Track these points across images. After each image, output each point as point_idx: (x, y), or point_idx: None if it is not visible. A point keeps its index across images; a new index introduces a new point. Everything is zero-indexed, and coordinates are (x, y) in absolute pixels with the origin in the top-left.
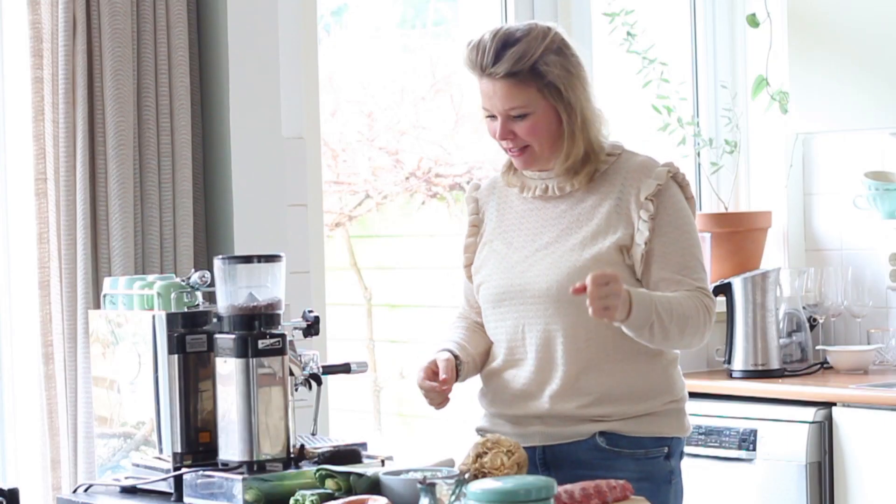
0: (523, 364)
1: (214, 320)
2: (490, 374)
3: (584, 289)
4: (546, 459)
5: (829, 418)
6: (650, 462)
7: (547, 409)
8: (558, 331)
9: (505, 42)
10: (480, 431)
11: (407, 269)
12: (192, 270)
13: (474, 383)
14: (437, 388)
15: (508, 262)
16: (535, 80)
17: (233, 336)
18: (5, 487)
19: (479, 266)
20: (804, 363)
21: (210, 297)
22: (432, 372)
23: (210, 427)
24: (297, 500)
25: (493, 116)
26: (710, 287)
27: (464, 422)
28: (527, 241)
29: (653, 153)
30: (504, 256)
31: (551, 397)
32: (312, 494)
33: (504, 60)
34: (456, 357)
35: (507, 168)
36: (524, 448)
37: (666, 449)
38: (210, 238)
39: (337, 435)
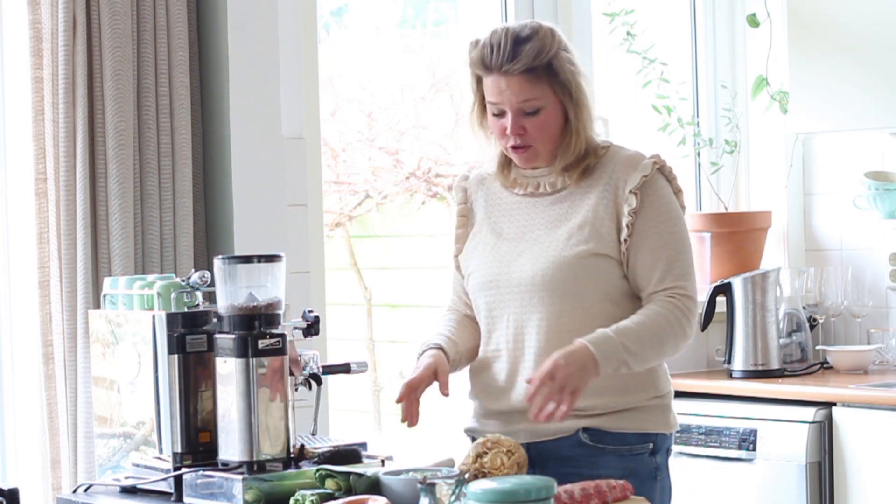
0: (507, 355)
1: (214, 320)
2: (478, 367)
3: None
4: (531, 456)
5: (829, 418)
6: (634, 458)
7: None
8: (541, 321)
9: (517, 39)
10: (469, 432)
11: (407, 269)
12: (192, 270)
13: (465, 384)
14: (411, 405)
15: (497, 252)
16: (549, 76)
17: (233, 336)
18: (5, 487)
19: (469, 256)
20: (804, 363)
21: (210, 297)
22: (409, 389)
23: (210, 427)
24: (297, 500)
25: (500, 114)
26: (695, 283)
27: (463, 422)
28: (516, 234)
29: (652, 152)
30: (493, 247)
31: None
32: (312, 494)
33: (522, 57)
34: (444, 351)
35: (500, 167)
36: (525, 452)
37: (651, 445)
38: (210, 238)
39: (337, 435)
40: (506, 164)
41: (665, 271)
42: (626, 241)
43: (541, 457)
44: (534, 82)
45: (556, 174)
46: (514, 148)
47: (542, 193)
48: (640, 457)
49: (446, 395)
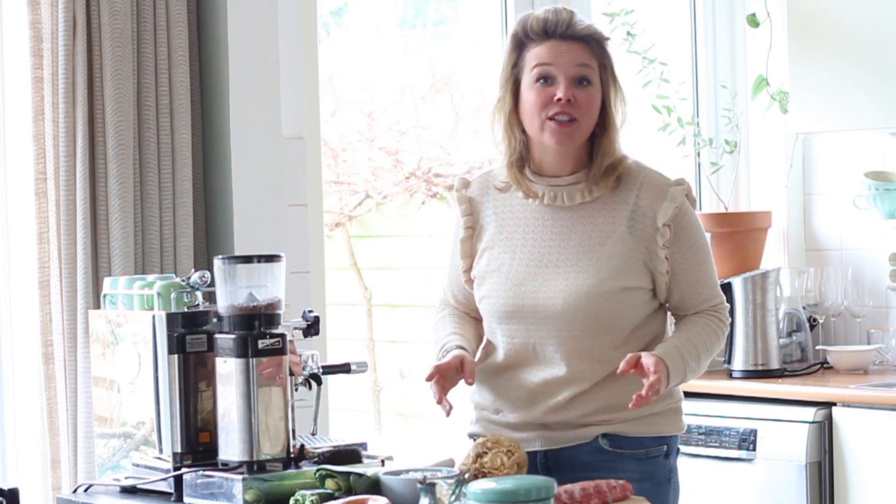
0: (532, 376)
1: (214, 320)
2: (493, 379)
3: (634, 368)
4: (548, 463)
5: (829, 418)
6: (651, 462)
7: (551, 418)
8: (571, 350)
9: (574, 17)
10: (474, 437)
11: (407, 269)
12: (192, 270)
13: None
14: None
15: (515, 276)
16: (601, 55)
17: (233, 336)
18: (5, 487)
19: (481, 275)
20: (804, 363)
21: (210, 297)
22: (438, 370)
23: (210, 427)
24: (297, 500)
25: (548, 82)
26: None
27: (464, 423)
28: (533, 254)
29: (653, 153)
30: (509, 270)
31: (557, 408)
32: (312, 494)
33: (584, 26)
34: (465, 350)
35: (516, 171)
36: (525, 452)
37: (665, 447)
38: (210, 238)
39: (337, 435)
40: (520, 168)
41: (707, 294)
42: (667, 273)
43: (557, 463)
44: (590, 53)
45: (585, 183)
46: (557, 122)
47: (560, 207)
48: (655, 459)
49: (471, 383)
